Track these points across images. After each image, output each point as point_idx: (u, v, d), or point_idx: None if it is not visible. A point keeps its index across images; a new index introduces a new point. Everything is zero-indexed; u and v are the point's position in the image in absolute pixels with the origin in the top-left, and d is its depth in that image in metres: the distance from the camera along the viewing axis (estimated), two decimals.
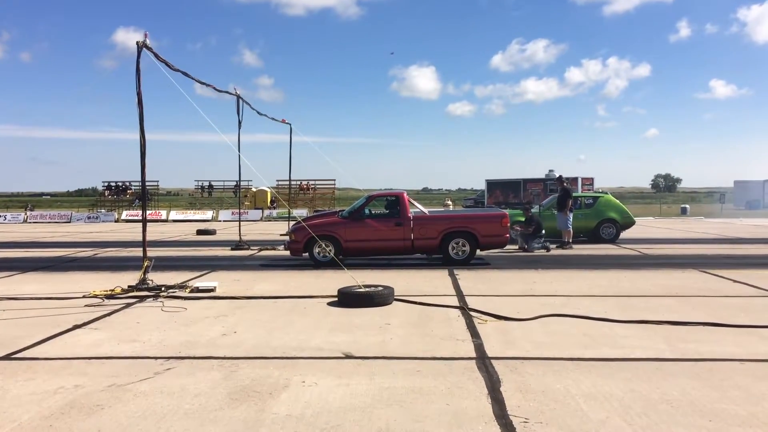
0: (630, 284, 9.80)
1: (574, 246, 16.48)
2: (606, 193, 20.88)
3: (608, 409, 4.14)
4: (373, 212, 13.27)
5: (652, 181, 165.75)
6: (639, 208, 62.16)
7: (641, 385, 4.63)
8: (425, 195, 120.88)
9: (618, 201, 19.22)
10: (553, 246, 15.90)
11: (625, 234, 18.52)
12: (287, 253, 13.46)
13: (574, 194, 19.43)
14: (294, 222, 14.69)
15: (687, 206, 49.78)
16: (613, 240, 18.10)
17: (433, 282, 10.22)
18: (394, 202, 13.09)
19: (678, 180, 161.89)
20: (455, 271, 11.45)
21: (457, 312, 7.59)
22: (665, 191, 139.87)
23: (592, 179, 60.50)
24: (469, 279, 10.51)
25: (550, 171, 59.42)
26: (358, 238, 12.58)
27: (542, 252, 15.25)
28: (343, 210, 14.15)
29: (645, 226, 28.32)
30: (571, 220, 16.63)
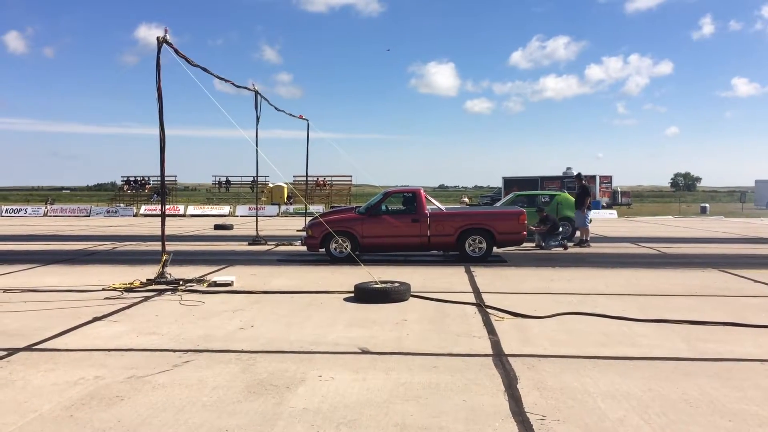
0: (649, 283, 9.72)
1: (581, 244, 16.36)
2: (563, 192, 20.84)
3: (626, 408, 4.11)
4: (389, 208, 13.27)
5: (672, 179, 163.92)
6: (658, 206, 61.66)
7: (660, 384, 4.60)
8: (441, 192, 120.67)
9: (574, 200, 19.19)
10: (570, 244, 15.81)
11: (644, 233, 18.32)
12: (304, 248, 13.51)
13: (531, 192, 19.42)
14: (311, 218, 14.73)
15: (707, 205, 49.22)
16: (569, 238, 17.92)
17: (449, 279, 10.20)
18: (410, 198, 13.07)
19: (698, 179, 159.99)
20: (472, 268, 11.42)
21: (474, 309, 7.57)
22: (685, 190, 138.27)
23: (611, 177, 60.12)
24: (485, 276, 10.48)
25: (568, 168, 59.08)
26: (374, 234, 12.58)
27: (559, 250, 15.16)
28: (360, 206, 14.16)
29: (664, 225, 28.06)
30: (589, 217, 16.51)
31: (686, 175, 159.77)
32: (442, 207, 13.68)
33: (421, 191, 13.08)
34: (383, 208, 13.02)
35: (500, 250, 13.83)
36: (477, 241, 12.63)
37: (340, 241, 12.44)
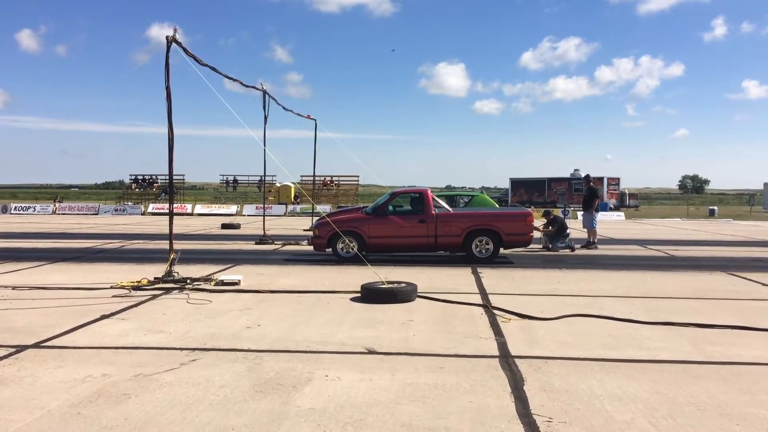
0: (656, 285, 9.68)
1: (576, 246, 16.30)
2: (482, 193, 21.03)
3: (633, 411, 4.10)
4: (396, 209, 13.26)
5: (680, 181, 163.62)
6: (666, 209, 61.43)
7: (667, 387, 4.58)
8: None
9: (492, 200, 19.41)
10: (578, 246, 15.76)
11: (652, 235, 18.21)
12: (311, 248, 13.51)
13: (450, 193, 19.59)
14: (318, 217, 14.75)
15: (715, 208, 49.03)
16: None
17: (456, 279, 10.19)
18: (417, 199, 13.06)
19: (706, 181, 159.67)
20: (479, 269, 11.40)
21: (481, 310, 7.56)
22: (693, 192, 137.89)
23: (618, 179, 60.03)
24: (492, 277, 10.46)
25: (576, 170, 59.02)
26: (381, 234, 12.58)
27: (567, 251, 15.12)
28: (367, 206, 14.16)
29: (672, 228, 27.95)
30: (597, 219, 16.46)
31: (694, 178, 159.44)
32: (449, 208, 13.67)
33: (429, 192, 13.09)
34: (390, 208, 13.03)
35: (507, 252, 13.80)
36: (484, 242, 12.61)
37: (347, 241, 12.44)
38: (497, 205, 18.85)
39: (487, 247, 12.62)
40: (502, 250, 13.01)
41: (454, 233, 12.56)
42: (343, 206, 35.87)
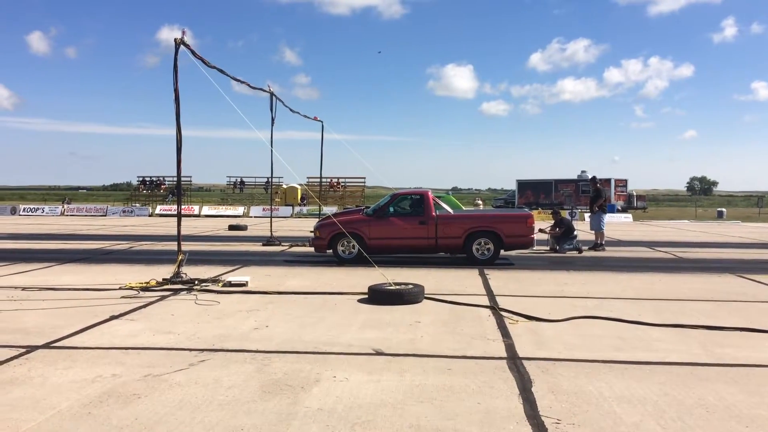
0: (665, 287, 9.65)
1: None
2: (449, 194, 21.08)
3: (642, 413, 4.09)
4: (397, 210, 13.24)
5: (688, 183, 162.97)
6: (674, 210, 61.19)
7: (676, 389, 4.57)
8: (454, 194, 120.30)
9: (457, 201, 19.56)
10: (585, 247, 15.73)
11: (660, 237, 18.12)
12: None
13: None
14: (319, 219, 14.76)
15: (723, 210, 48.81)
16: None
17: (463, 281, 10.19)
18: (418, 200, 13.06)
19: (714, 183, 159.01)
20: (485, 271, 11.40)
21: (488, 311, 7.56)
22: (701, 194, 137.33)
23: (626, 181, 59.94)
24: (499, 279, 10.46)
25: (583, 172, 58.98)
26: (381, 235, 12.59)
27: (574, 253, 15.09)
28: (368, 207, 14.17)
29: (680, 229, 27.84)
30: (604, 221, 16.41)
31: (702, 179, 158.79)
32: (450, 210, 13.67)
33: (429, 194, 13.10)
34: (391, 209, 13.02)
35: (514, 253, 13.79)
36: (484, 243, 12.59)
37: (348, 242, 12.44)
38: (463, 207, 19.07)
39: (488, 248, 12.59)
40: (507, 252, 12.99)
41: (454, 235, 12.55)
42: (349, 208, 35.95)
